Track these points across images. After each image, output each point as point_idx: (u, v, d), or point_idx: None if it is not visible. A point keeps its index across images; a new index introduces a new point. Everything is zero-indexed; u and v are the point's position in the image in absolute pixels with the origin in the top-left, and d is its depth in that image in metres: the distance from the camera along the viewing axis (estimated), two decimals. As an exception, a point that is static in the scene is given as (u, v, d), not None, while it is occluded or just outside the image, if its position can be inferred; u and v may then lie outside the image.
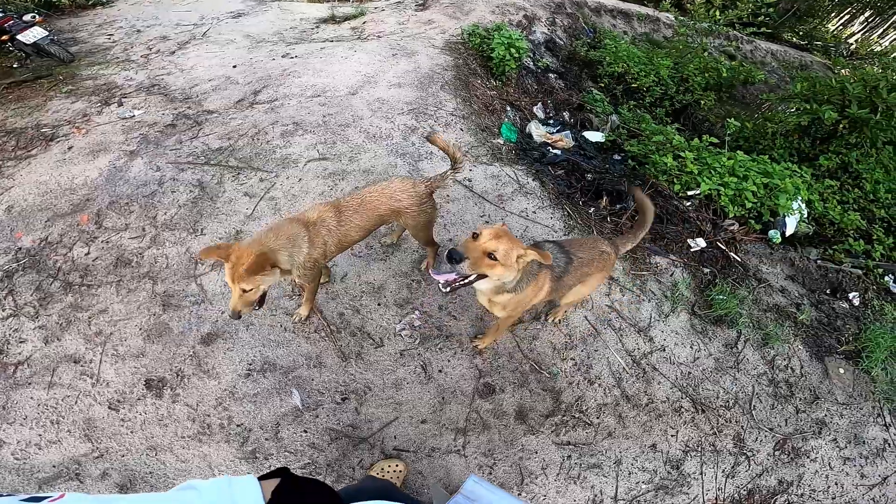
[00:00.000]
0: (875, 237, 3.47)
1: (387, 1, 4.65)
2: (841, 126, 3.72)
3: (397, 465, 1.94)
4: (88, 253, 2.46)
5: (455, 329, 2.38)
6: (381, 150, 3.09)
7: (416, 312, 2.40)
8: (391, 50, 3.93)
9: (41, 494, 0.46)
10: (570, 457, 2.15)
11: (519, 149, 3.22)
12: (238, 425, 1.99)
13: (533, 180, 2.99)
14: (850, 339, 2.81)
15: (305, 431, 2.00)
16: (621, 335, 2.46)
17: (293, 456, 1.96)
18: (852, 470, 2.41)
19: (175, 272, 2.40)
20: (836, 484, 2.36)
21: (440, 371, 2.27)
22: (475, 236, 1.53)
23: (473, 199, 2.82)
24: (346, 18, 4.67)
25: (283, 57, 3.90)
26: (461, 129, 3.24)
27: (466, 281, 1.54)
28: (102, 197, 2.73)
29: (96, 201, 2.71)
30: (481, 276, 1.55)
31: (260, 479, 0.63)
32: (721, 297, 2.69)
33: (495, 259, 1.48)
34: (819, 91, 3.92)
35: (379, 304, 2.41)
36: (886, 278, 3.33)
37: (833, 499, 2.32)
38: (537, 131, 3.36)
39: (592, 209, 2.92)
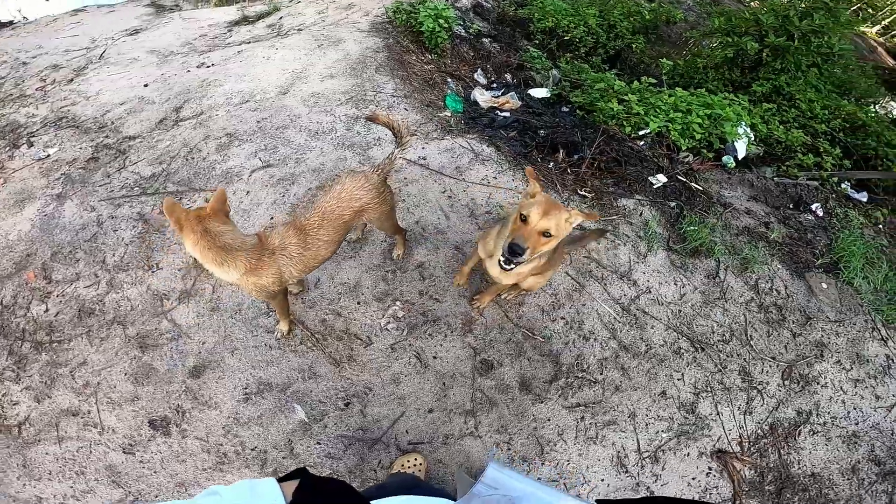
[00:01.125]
0: (822, 150, 3.56)
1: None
2: (765, 54, 3.77)
3: (416, 459, 1.89)
4: (47, 310, 2.25)
5: (440, 311, 2.23)
6: (327, 145, 2.84)
7: (398, 303, 2.24)
8: (316, 41, 3.63)
9: None
10: (583, 418, 2.07)
11: (467, 118, 3.05)
12: (252, 449, 1.94)
13: (487, 146, 2.84)
14: (825, 251, 2.86)
15: (318, 443, 1.94)
16: (605, 284, 2.38)
17: (314, 469, 1.86)
18: (865, 392, 2.42)
19: (142, 313, 2.22)
20: (855, 408, 2.36)
21: (435, 357, 2.15)
22: (524, 219, 1.49)
23: (432, 176, 2.64)
24: (260, 17, 4.29)
25: (198, 67, 3.52)
26: (405, 109, 3.03)
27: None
28: (43, 249, 2.44)
29: (38, 255, 2.42)
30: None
31: (279, 480, 0.63)
32: (692, 227, 2.66)
33: (550, 235, 1.47)
34: (736, 24, 3.98)
35: (359, 303, 2.24)
36: (843, 185, 3.42)
37: (856, 424, 2.31)
38: (482, 97, 3.20)
39: (551, 164, 2.81)
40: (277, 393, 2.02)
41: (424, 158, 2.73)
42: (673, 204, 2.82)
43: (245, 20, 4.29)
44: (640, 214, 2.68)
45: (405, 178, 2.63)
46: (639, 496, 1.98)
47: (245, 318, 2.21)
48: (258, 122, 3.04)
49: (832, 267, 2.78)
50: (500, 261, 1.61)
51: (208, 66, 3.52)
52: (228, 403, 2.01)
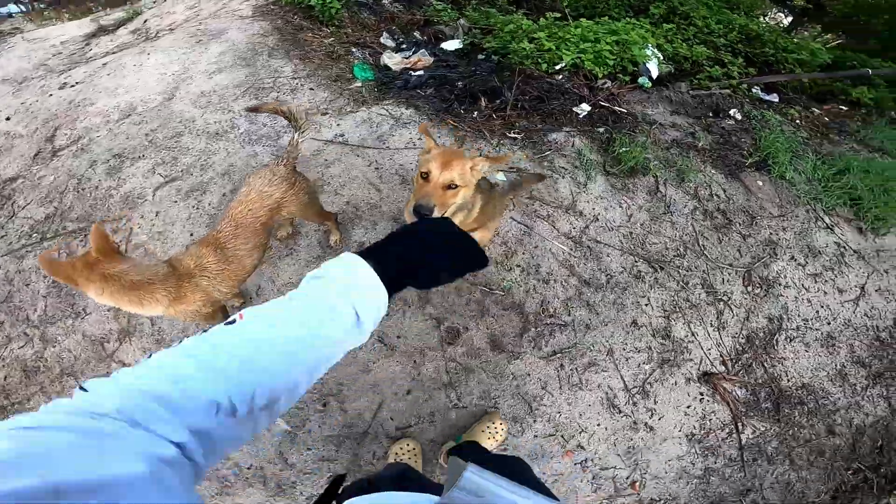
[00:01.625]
0: (727, 61, 3.66)
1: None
2: (656, -23, 3.81)
3: (409, 445, 1.81)
4: (-6, 377, 1.91)
5: None
6: (232, 144, 2.53)
7: None
8: (193, 38, 3.22)
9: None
10: (562, 366, 1.99)
11: (380, 84, 2.82)
12: (248, 468, 1.82)
13: (406, 109, 2.64)
14: (752, 150, 2.91)
15: (309, 449, 1.83)
16: (553, 221, 2.28)
17: (313, 476, 1.80)
18: (827, 286, 2.44)
19: (87, 360, 2.02)
20: (822, 307, 2.38)
21: (399, 337, 1.99)
22: (425, 176, 1.40)
23: (354, 151, 2.41)
24: (120, 24, 3.75)
25: (60, 89, 3.03)
26: (311, 89, 2.75)
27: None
28: (-37, 321, 2.06)
29: (-39, 328, 2.04)
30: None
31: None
32: (624, 149, 2.61)
33: (456, 187, 1.39)
34: (624, -52, 3.97)
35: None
36: (754, 90, 3.53)
37: (829, 324, 2.34)
38: (392, 60, 2.96)
39: (476, 113, 2.65)
40: None
41: (342, 135, 2.48)
42: (601, 129, 2.76)
43: (103, 31, 3.74)
44: (572, 145, 2.60)
45: (325, 160, 2.38)
46: (638, 434, 1.94)
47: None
48: (147, 135, 2.66)
49: (762, 164, 2.84)
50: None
51: (72, 86, 3.03)
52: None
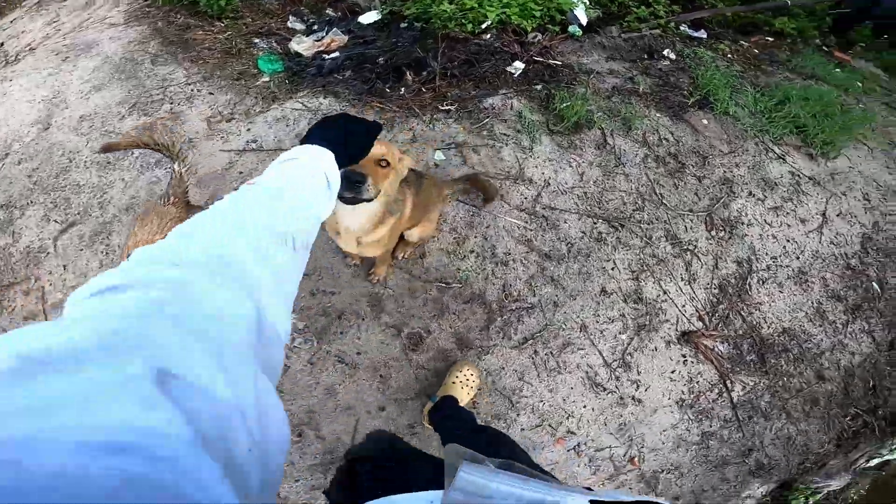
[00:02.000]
0: (651, 1, 3.47)
1: (20, 9, 3.23)
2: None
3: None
4: None
5: (341, 303, 1.83)
6: (128, 173, 2.17)
7: (293, 314, 1.78)
8: (58, 56, 2.75)
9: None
10: (536, 352, 1.82)
11: (291, 75, 2.48)
12: None
13: (324, 98, 2.33)
14: (692, 89, 2.77)
15: (297, 480, 1.68)
16: (502, 195, 2.07)
17: None
18: (789, 218, 2.35)
19: None
20: (788, 240, 2.28)
21: (359, 353, 1.79)
22: None
23: (270, 157, 2.09)
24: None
25: (-90, 140, 2.52)
26: (210, 93, 2.38)
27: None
28: None
29: None
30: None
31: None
32: (565, 103, 2.41)
33: (388, 164, 1.25)
34: None
35: None
36: (682, 28, 3.39)
37: (797, 258, 2.24)
38: (302, 45, 2.61)
39: (402, 89, 2.37)
40: None
41: (255, 140, 2.16)
42: (539, 87, 2.55)
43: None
44: (511, 107, 2.38)
45: (241, 174, 2.07)
46: (627, 410, 1.81)
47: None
48: (30, 176, 2.26)
49: (705, 102, 2.72)
50: (345, 198, 1.23)
51: (-76, 135, 2.53)
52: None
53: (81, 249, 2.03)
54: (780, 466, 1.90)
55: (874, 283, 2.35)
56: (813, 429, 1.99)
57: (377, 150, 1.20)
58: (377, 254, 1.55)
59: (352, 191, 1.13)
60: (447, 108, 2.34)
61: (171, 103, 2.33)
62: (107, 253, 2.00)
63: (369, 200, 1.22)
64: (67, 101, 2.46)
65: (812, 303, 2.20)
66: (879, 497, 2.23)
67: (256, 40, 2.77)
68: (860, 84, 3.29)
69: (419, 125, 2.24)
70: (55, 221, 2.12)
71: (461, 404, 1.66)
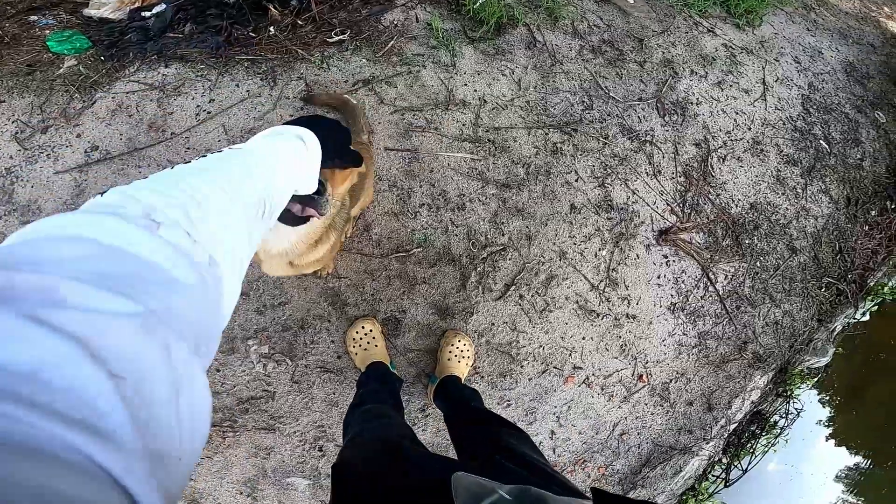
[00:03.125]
0: None
1: None
2: None
3: (365, 327, 1.46)
4: None
5: (298, 311, 1.52)
6: None
7: (249, 341, 1.46)
8: None
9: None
10: (521, 297, 1.60)
11: (106, 49, 1.79)
12: None
13: (166, 67, 1.73)
14: None
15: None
16: (436, 128, 1.71)
17: None
18: (733, 91, 2.21)
19: None
20: (738, 113, 2.15)
21: (339, 357, 1.52)
22: None
23: (127, 163, 1.55)
24: None
25: None
26: (0, 101, 1.67)
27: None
28: None
29: None
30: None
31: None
32: (478, 3, 1.96)
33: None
34: None
35: (217, 371, 1.42)
36: None
37: (749, 129, 2.13)
38: (105, 8, 1.88)
39: (272, 29, 1.81)
40: (264, 480, 1.45)
41: (96, 147, 1.58)
42: (442, -12, 2.05)
43: None
44: (417, 20, 1.91)
45: (90, 192, 1.51)
46: (624, 329, 1.67)
47: None
48: None
49: None
50: (290, 214, 0.84)
51: None
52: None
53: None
54: (774, 354, 1.93)
55: (822, 142, 2.37)
56: (795, 308, 2.02)
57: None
58: (316, 268, 1.15)
59: (304, 203, 0.77)
60: (338, 38, 1.82)
61: None
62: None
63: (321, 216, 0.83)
64: None
65: (771, 171, 2.16)
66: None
67: (33, 17, 1.97)
68: None
69: (309, 70, 1.74)
70: None
71: (462, 379, 1.44)
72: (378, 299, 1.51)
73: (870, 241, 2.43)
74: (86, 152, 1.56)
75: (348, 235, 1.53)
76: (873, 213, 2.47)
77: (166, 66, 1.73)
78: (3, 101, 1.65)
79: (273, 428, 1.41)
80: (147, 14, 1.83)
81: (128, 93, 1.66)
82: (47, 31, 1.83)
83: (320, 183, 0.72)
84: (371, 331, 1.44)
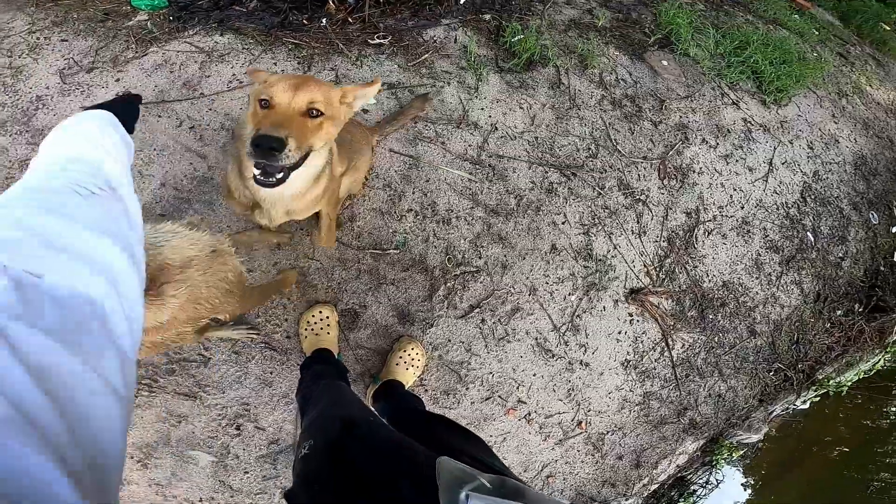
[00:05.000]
0: None
1: None
2: None
3: (321, 312, 1.17)
4: None
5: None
6: None
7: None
8: None
9: None
10: (483, 321, 1.27)
11: (177, 10, 1.57)
12: (199, 501, 1.19)
13: (221, 35, 1.48)
14: (654, 27, 1.99)
15: (246, 472, 1.20)
16: (443, 142, 1.40)
17: (265, 495, 1.20)
18: (738, 167, 1.76)
19: None
20: (735, 189, 1.71)
21: (288, 337, 1.24)
22: (265, 104, 0.70)
23: (151, 112, 1.31)
24: None
25: None
26: (63, 40, 1.48)
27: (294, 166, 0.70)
28: None
29: None
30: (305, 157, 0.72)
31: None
32: (517, 37, 1.62)
33: (320, 114, 0.70)
34: None
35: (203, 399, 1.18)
36: None
37: (742, 208, 1.69)
38: None
39: (324, 20, 1.53)
40: (163, 448, 1.17)
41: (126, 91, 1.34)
42: (488, 17, 1.72)
43: None
44: (455, 41, 1.59)
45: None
46: (575, 374, 1.32)
47: None
48: None
49: (665, 42, 1.96)
50: (254, 177, 0.71)
51: None
52: (136, 477, 1.15)
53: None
54: (710, 423, 1.53)
55: (809, 234, 1.88)
56: (740, 385, 1.60)
57: (303, 95, 0.68)
58: (314, 210, 0.96)
59: (267, 159, 0.62)
60: (379, 41, 1.53)
61: (10, 56, 1.41)
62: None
63: (294, 168, 0.70)
64: None
65: (752, 254, 1.71)
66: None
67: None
68: (816, 32, 2.53)
69: (343, 63, 1.45)
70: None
71: (407, 386, 1.14)
72: (343, 289, 1.22)
73: (828, 337, 1.96)
74: (116, 95, 1.32)
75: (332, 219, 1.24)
76: (839, 312, 1.99)
77: (221, 35, 1.48)
78: (67, 41, 1.44)
79: (195, 396, 1.14)
80: (218, -16, 1.58)
81: (178, 52, 1.42)
82: (134, -15, 1.60)
83: (274, 139, 0.61)
84: (328, 317, 1.16)
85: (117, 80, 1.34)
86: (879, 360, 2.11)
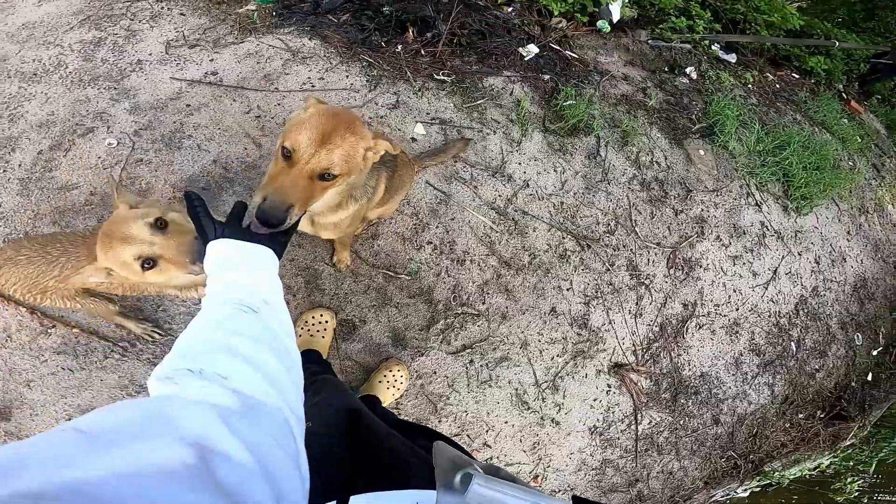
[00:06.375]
0: (694, 13, 2.18)
1: None
2: None
3: (322, 316, 1.04)
4: None
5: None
6: (54, 87, 1.27)
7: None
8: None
9: None
10: (471, 362, 1.12)
11: (282, 8, 1.46)
12: None
13: (310, 40, 1.37)
14: (701, 115, 1.76)
15: None
16: (475, 187, 1.24)
17: None
18: (743, 269, 1.54)
19: None
20: (734, 291, 1.50)
21: None
22: (287, 155, 0.55)
23: (228, 95, 1.22)
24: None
25: None
26: (182, 14, 1.40)
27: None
28: None
29: None
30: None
31: None
32: (570, 101, 1.44)
33: (333, 178, 0.57)
34: None
35: (160, 307, 1.04)
36: (714, 47, 2.16)
37: (736, 310, 1.47)
38: None
39: (399, 47, 1.39)
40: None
41: (215, 73, 1.25)
42: (547, 77, 1.55)
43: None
44: (511, 93, 1.43)
45: (188, 106, 1.20)
46: (544, 430, 1.16)
47: (20, 344, 1.00)
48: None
49: (708, 132, 1.73)
50: (251, 223, 0.53)
51: None
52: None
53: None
54: (655, 497, 1.33)
55: (792, 344, 1.64)
56: (693, 466, 1.39)
57: (323, 157, 0.54)
58: (333, 237, 0.86)
59: (268, 227, 0.50)
60: (442, 77, 1.38)
61: (131, 20, 1.34)
62: (4, 169, 1.14)
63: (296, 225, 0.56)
64: (16, 8, 1.45)
65: (734, 353, 1.49)
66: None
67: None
68: (859, 139, 2.20)
69: (406, 91, 1.31)
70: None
71: (384, 405, 1.01)
72: (348, 300, 1.10)
73: (785, 435, 1.72)
74: (206, 74, 1.23)
75: (358, 234, 1.12)
76: (801, 416, 1.74)
77: (309, 39, 1.36)
78: (185, 15, 1.35)
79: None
80: (323, -6, 1.46)
81: (269, 46, 1.31)
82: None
83: (275, 216, 0.49)
84: (327, 322, 1.04)
85: (212, 59, 1.24)
86: (828, 461, 1.85)
